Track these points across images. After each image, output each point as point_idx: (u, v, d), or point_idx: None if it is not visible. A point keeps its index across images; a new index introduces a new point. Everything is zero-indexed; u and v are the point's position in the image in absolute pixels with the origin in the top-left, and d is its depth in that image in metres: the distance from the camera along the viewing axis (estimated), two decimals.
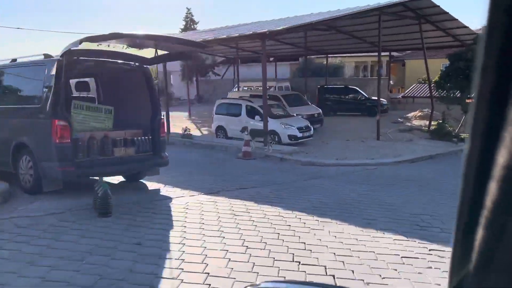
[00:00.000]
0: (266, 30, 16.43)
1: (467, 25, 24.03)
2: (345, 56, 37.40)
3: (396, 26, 24.91)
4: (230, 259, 6.15)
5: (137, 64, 10.53)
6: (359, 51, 31.51)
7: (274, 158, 15.93)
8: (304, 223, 8.11)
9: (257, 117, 19.83)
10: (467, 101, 23.40)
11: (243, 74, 35.53)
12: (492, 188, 0.59)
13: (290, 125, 19.51)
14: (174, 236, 7.08)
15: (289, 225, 7.90)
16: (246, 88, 29.61)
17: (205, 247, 6.57)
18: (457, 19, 23.13)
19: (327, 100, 29.08)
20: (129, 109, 10.86)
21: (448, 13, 22.35)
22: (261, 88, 29.14)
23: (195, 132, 23.15)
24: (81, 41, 8.26)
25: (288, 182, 12.22)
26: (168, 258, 6.09)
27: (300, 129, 19.55)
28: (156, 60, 10.86)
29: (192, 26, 36.04)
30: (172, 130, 20.88)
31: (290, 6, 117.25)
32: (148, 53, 10.31)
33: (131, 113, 10.78)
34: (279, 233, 7.41)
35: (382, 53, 32.95)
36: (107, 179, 11.18)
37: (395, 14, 22.07)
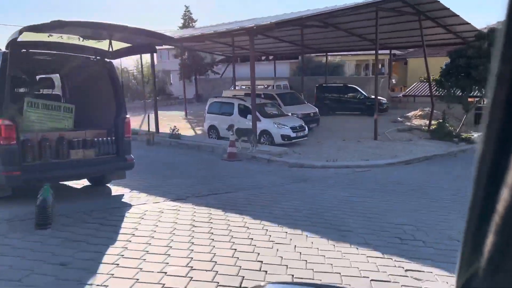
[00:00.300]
0: (253, 25, 15.36)
1: (468, 21, 22.82)
2: (346, 55, 36.22)
3: (396, 23, 23.79)
4: (164, 284, 5.09)
5: (98, 58, 9.48)
6: (359, 49, 30.33)
7: (261, 160, 14.88)
8: (270, 236, 7.04)
9: (249, 116, 18.78)
10: (470, 100, 22.28)
11: (243, 72, 34.51)
12: (505, 194, 0.57)
13: (284, 124, 18.45)
14: (111, 254, 6.03)
15: (251, 239, 6.84)
16: (244, 87, 28.47)
17: (141, 269, 5.52)
18: (458, 15, 21.92)
19: (326, 99, 27.94)
20: (92, 107, 9.85)
21: (448, 8, 21.15)
22: (260, 86, 28.44)
23: (188, 131, 22.18)
24: (21, 31, 7.25)
25: (268, 186, 11.17)
26: (89, 285, 5.03)
27: (293, 128, 18.49)
28: (119, 53, 9.80)
29: (191, 24, 35.08)
30: (162, 130, 19.90)
31: (292, 4, 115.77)
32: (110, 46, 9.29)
33: (94, 111, 9.77)
34: (236, 249, 6.35)
35: (384, 51, 32.07)
36: (73, 183, 10.22)
37: (394, 10, 20.91)
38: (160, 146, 16.79)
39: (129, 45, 9.57)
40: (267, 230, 7.33)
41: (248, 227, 7.43)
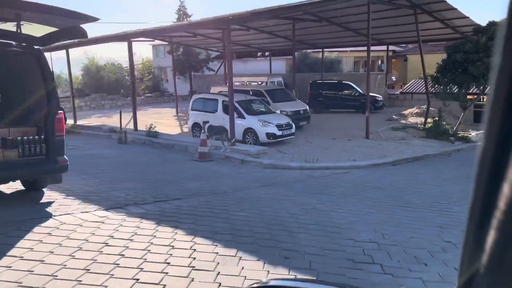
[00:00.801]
0: (229, 14, 13.90)
1: (467, 15, 21.16)
2: (343, 51, 34.54)
3: (392, 17, 22.24)
4: None
5: (24, 44, 8.02)
6: (356, 45, 28.71)
7: (235, 160, 13.44)
8: (194, 258, 5.61)
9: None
10: (469, 97, 20.66)
11: (239, 69, 33.06)
12: (506, 190, 0.57)
13: (269, 122, 16.99)
14: None
15: (168, 264, 5.41)
16: (237, 83, 26.98)
17: None
18: (456, 9, 20.29)
19: (320, 96, 26.37)
20: (17, 101, 8.43)
21: (445, 1, 19.53)
22: (254, 82, 27.03)
23: (175, 129, 20.85)
24: None
25: (229, 191, 9.73)
26: None
27: (279, 126, 17.05)
28: (47, 39, 8.34)
29: (186, 20, 33.65)
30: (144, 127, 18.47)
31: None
32: (35, 30, 7.87)
33: (20, 106, 8.34)
34: (137, 279, 4.92)
35: (382, 48, 30.38)
36: (4, 187, 8.85)
37: (389, 3, 19.34)
38: (132, 145, 15.45)
39: (55, 29, 8.12)
40: (194, 250, 5.90)
41: (173, 246, 6.00)
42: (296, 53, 33.96)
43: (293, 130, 17.60)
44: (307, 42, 28.47)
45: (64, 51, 21.66)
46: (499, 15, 0.53)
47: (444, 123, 20.95)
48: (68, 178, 9.14)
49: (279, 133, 17.00)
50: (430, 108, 22.77)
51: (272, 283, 1.52)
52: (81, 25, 7.99)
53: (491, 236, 0.61)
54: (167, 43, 30.13)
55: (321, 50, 30.37)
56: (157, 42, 32.02)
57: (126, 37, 17.37)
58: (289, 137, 17.45)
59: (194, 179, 10.80)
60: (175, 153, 14.60)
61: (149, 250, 5.80)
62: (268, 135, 16.77)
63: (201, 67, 31.59)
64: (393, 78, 36.57)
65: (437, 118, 20.47)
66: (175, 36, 25.42)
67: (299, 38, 27.42)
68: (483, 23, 18.93)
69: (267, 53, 33.24)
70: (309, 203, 8.76)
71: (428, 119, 21.56)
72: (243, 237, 6.51)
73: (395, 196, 9.68)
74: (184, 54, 31.23)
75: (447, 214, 8.34)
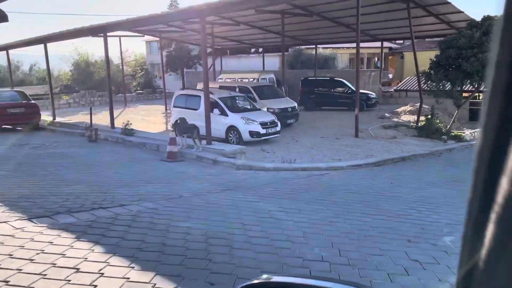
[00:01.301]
0: (203, 4, 12.74)
1: (462, 10, 19.89)
2: (338, 48, 33.22)
3: (386, 11, 21.05)
4: None
5: None
6: (350, 41, 27.35)
7: (207, 160, 12.31)
8: (95, 287, 4.49)
9: (215, 111, 16.28)
10: (465, 94, 19.42)
11: (232, 65, 31.93)
12: (504, 183, 0.55)
13: (253, 120, 15.86)
14: None
15: None
16: (229, 80, 25.82)
17: None
18: (450, 3, 19.03)
19: (311, 93, 25.11)
20: None
21: None
22: (246, 79, 25.86)
23: (160, 127, 19.77)
24: None
25: (186, 196, 8.62)
26: None
27: (264, 124, 15.93)
28: None
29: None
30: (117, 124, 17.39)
31: None
32: None
33: None
34: None
35: (377, 44, 29.03)
36: None
37: None
38: (103, 144, 14.37)
39: None
40: (102, 274, 4.79)
41: (78, 270, 4.90)
42: (290, 49, 32.86)
43: (278, 128, 16.50)
44: (300, 38, 27.26)
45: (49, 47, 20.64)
46: (495, 9, 0.54)
47: (438, 121, 19.77)
48: (8, 180, 8.08)
49: (263, 131, 15.91)
50: (424, 106, 21.60)
51: (275, 279, 1.48)
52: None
53: (490, 230, 0.58)
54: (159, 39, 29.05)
55: (314, 46, 29.10)
56: (150, 38, 30.97)
57: (101, 30, 16.24)
58: (274, 136, 16.36)
59: (153, 182, 9.69)
60: (145, 152, 13.49)
61: (45, 275, 4.70)
62: (252, 133, 15.69)
63: (193, 63, 30.44)
64: (390, 75, 35.28)
65: (429, 116, 19.26)
66: (164, 31, 24.32)
67: (292, 34, 26.24)
68: (480, 18, 17.63)
69: (260, 50, 32.06)
70: (269, 211, 7.65)
71: (422, 117, 20.34)
72: (172, 255, 5.40)
73: (368, 202, 8.54)
74: (176, 50, 30.05)
75: (421, 224, 7.20)
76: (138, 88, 33.89)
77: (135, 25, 16.70)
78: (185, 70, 31.30)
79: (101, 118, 20.31)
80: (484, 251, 0.60)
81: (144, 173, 10.64)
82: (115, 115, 21.83)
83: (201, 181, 10.02)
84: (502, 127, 0.55)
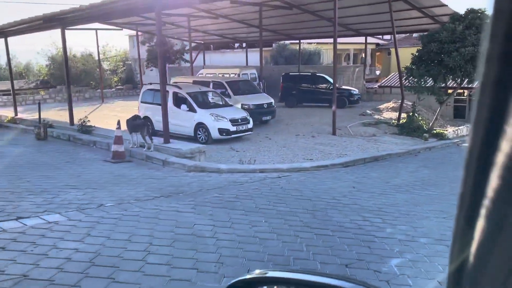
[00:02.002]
0: None
1: (445, 3, 18.50)
2: (324, 43, 31.67)
3: (368, 4, 19.65)
4: None
5: None
6: (337, 35, 25.85)
7: (157, 161, 10.94)
8: None
9: (183, 106, 14.98)
10: (450, 91, 18.06)
11: (216, 60, 30.52)
12: (494, 177, 0.54)
13: (222, 116, 14.51)
14: None
15: None
16: (210, 75, 24.42)
17: None
18: None
19: (292, 89, 23.67)
20: None
21: None
22: (227, 74, 24.46)
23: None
24: None
25: (106, 206, 7.30)
26: None
27: (234, 121, 14.60)
28: None
29: None
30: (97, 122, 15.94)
31: None
32: None
33: None
34: None
35: (363, 40, 27.49)
36: None
37: None
38: (51, 142, 13.00)
39: None
40: None
41: None
42: (273, 44, 31.40)
43: (250, 125, 15.16)
44: (282, 32, 25.84)
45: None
46: (480, 2, 0.46)
47: (420, 118, 18.48)
48: None
49: (233, 128, 14.59)
50: (408, 103, 20.27)
51: (270, 274, 1.43)
52: None
53: (480, 225, 0.57)
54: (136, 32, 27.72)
55: (298, 41, 27.64)
56: (133, 32, 29.58)
57: (59, 22, 14.74)
58: (246, 133, 15.05)
59: (80, 187, 8.33)
60: (93, 152, 12.09)
61: None
62: (221, 131, 14.37)
63: (176, 58, 29.01)
64: (378, 72, 33.85)
65: (411, 113, 17.94)
66: (140, 23, 22.95)
67: (274, 28, 24.81)
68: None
69: (244, 45, 30.62)
70: (194, 225, 6.30)
71: (403, 114, 18.99)
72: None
73: (318, 211, 7.21)
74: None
75: (369, 242, 5.87)
76: (119, 84, 32.41)
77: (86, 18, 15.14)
78: (168, 65, 29.85)
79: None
80: (474, 246, 0.58)
81: (76, 176, 9.26)
82: (90, 111, 20.52)
83: (137, 186, 8.66)
84: (492, 120, 0.53)
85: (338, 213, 7.22)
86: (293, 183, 9.48)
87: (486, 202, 0.55)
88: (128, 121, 11.58)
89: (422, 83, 16.93)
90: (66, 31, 15.86)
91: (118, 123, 11.05)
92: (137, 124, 11.48)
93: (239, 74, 23.79)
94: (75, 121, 15.11)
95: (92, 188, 8.31)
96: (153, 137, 13.52)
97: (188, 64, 28.03)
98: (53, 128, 14.94)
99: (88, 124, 14.13)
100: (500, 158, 0.52)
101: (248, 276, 1.32)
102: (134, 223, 6.25)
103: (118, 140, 10.83)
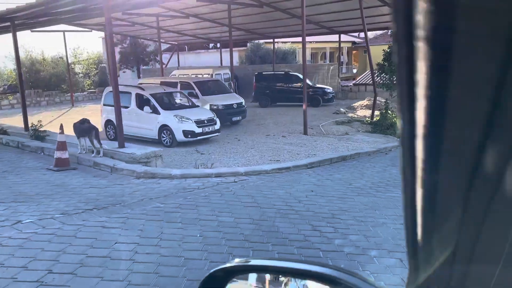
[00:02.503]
0: None
1: None
2: (299, 42, 30.84)
3: (338, 1, 18.82)
4: None
5: None
6: (309, 34, 25.01)
7: (105, 167, 9.94)
8: None
9: (146, 108, 14.02)
10: None
11: (190, 61, 29.51)
12: (418, 147, 0.53)
13: (187, 118, 13.59)
14: None
15: None
16: (183, 76, 23.42)
17: None
18: None
19: (266, 89, 22.77)
20: None
21: None
22: (200, 75, 23.51)
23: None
24: None
25: (22, 223, 6.28)
26: None
27: (199, 123, 13.69)
28: None
29: None
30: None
31: None
32: None
33: None
34: None
35: (336, 38, 26.69)
36: None
37: None
38: None
39: None
40: None
41: None
42: (248, 44, 30.46)
43: (217, 126, 14.26)
44: (255, 31, 24.93)
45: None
46: None
47: (394, 115, 17.72)
48: None
49: (198, 130, 13.67)
50: (382, 100, 19.54)
51: (253, 262, 1.44)
52: None
53: (418, 193, 0.55)
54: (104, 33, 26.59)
55: (272, 40, 26.75)
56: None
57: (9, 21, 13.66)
58: (213, 135, 14.14)
59: (5, 201, 7.32)
60: (38, 160, 11.02)
61: None
62: (186, 133, 13.45)
63: (150, 59, 27.96)
64: (354, 70, 33.11)
65: (383, 111, 17.18)
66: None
67: (246, 27, 23.89)
68: None
69: (218, 44, 29.68)
70: (114, 243, 5.36)
71: (377, 111, 18.22)
72: None
73: (265, 221, 6.30)
74: (131, 46, 27.50)
75: (313, 257, 4.97)
76: (92, 87, 31.20)
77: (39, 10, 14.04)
78: (141, 67, 28.79)
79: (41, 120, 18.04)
80: (419, 219, 0.57)
81: (6, 188, 8.24)
82: (57, 116, 19.46)
83: (72, 198, 7.66)
84: (410, 121, 0.50)
85: (287, 223, 6.32)
86: (248, 188, 8.57)
87: (419, 172, 0.52)
88: (75, 124, 10.55)
89: (394, 79, 16.23)
90: (35, 33, 14.84)
91: (61, 127, 10.00)
92: (84, 128, 10.44)
93: (212, 74, 22.87)
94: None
95: (19, 201, 7.31)
96: (108, 142, 12.55)
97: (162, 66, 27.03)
98: (6, 135, 13.87)
99: (42, 129, 13.04)
100: (418, 159, 0.50)
101: (228, 265, 1.32)
102: (43, 244, 5.28)
103: (62, 146, 9.77)
